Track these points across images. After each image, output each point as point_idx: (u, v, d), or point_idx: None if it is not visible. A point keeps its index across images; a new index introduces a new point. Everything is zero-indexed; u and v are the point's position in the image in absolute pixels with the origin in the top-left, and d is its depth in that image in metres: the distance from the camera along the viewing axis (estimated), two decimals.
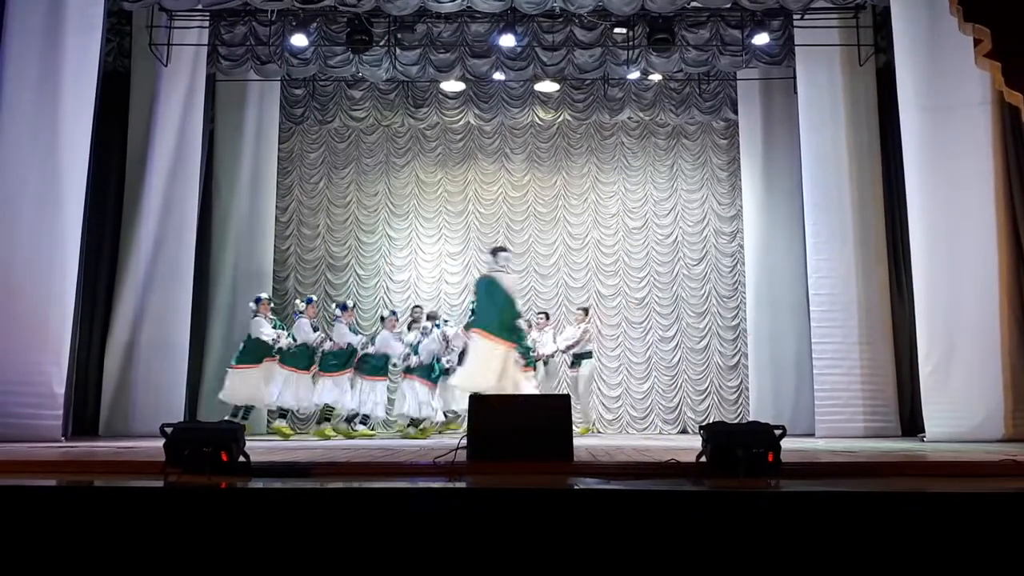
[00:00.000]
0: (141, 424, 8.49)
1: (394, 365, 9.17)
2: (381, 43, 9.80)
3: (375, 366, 8.91)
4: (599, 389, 10.92)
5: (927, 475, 3.96)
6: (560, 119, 11.67)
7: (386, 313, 9.57)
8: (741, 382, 11.01)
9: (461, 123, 11.66)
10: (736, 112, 10.98)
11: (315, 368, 8.78)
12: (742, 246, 10.94)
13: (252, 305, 8.87)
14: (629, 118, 11.58)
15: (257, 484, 3.28)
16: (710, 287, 11.37)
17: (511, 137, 11.79)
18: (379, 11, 9.07)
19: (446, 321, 9.49)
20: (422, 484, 3.21)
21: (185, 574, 2.69)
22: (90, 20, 7.70)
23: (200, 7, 9.12)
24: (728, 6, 9.21)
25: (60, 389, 7.27)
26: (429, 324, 9.18)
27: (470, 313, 7.93)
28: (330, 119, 11.54)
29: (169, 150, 9.34)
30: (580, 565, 2.64)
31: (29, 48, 7.53)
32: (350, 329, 9.01)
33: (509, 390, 6.85)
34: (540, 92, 11.35)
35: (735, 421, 10.34)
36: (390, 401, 9.41)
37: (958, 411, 7.18)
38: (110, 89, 8.87)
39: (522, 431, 4.04)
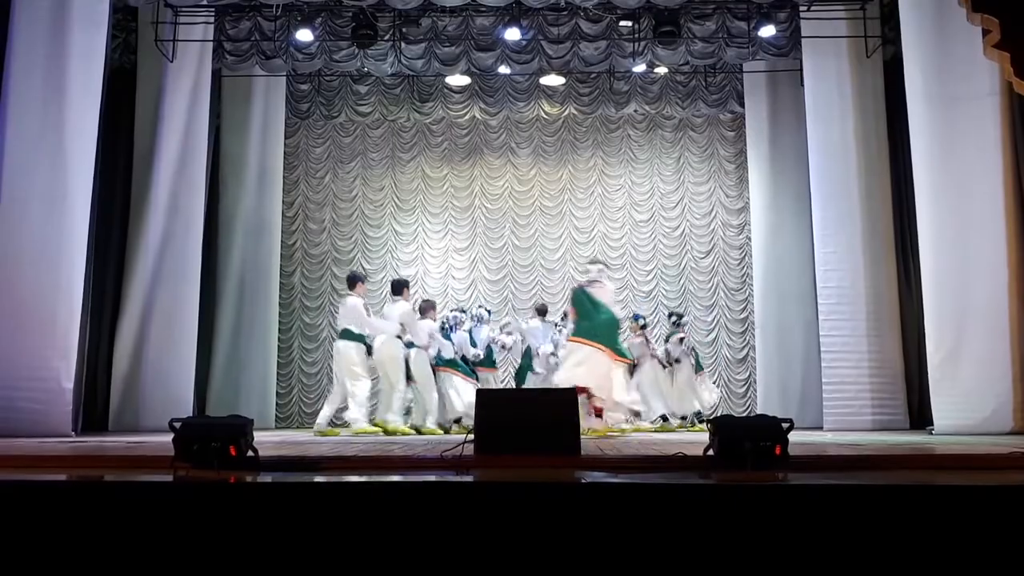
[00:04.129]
0: (150, 419, 8.53)
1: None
2: (386, 37, 9.79)
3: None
4: None
5: (935, 468, 3.95)
6: (566, 113, 11.66)
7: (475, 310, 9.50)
8: (749, 375, 11.00)
9: (467, 117, 11.65)
10: (742, 105, 10.95)
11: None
12: (750, 238, 10.93)
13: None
14: (635, 111, 11.56)
15: (266, 478, 3.29)
16: (718, 280, 11.35)
17: (517, 131, 11.78)
18: (384, 5, 9.06)
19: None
20: (430, 478, 3.21)
21: (194, 568, 2.71)
22: (96, 16, 7.71)
23: (205, 2, 9.13)
24: None
25: (68, 384, 7.29)
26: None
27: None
28: (336, 114, 11.55)
29: (176, 145, 9.36)
30: (588, 558, 2.65)
31: (35, 45, 7.55)
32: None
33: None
34: (546, 86, 11.34)
35: (743, 414, 10.36)
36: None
37: (967, 404, 7.15)
38: (116, 85, 8.88)
39: (529, 425, 4.04)
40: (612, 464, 3.97)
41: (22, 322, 7.20)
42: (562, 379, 7.12)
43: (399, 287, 8.32)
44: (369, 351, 7.94)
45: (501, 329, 9.67)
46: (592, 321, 7.14)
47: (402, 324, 7.92)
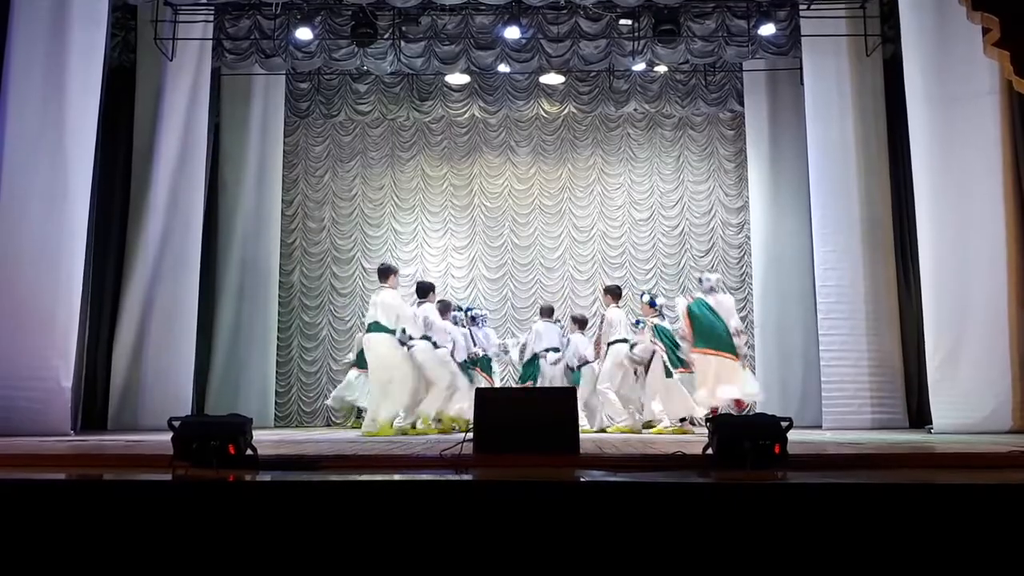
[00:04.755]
0: (149, 418, 8.53)
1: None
2: (385, 36, 9.79)
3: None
4: None
5: (934, 467, 3.95)
6: (565, 111, 11.65)
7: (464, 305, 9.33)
8: None
9: (466, 116, 11.65)
10: (742, 103, 10.95)
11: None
12: (749, 237, 10.92)
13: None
14: (635, 110, 11.56)
15: (265, 477, 3.29)
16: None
17: (516, 130, 11.77)
18: (383, 4, 9.07)
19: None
20: (429, 477, 3.21)
21: (194, 567, 2.71)
22: (95, 15, 7.71)
23: (204, 1, 9.13)
24: None
25: (67, 383, 7.28)
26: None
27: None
28: (335, 113, 11.54)
29: (175, 144, 9.35)
30: (587, 557, 2.65)
31: (35, 43, 7.54)
32: None
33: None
34: (545, 84, 11.34)
35: (742, 413, 10.35)
36: None
37: (966, 403, 7.15)
38: (116, 83, 8.88)
39: (528, 424, 4.04)
40: (611, 463, 3.98)
41: (22, 321, 7.18)
42: (703, 397, 7.13)
43: (426, 290, 7.95)
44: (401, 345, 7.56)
45: (519, 348, 9.46)
46: (714, 330, 7.10)
47: (426, 325, 7.54)
